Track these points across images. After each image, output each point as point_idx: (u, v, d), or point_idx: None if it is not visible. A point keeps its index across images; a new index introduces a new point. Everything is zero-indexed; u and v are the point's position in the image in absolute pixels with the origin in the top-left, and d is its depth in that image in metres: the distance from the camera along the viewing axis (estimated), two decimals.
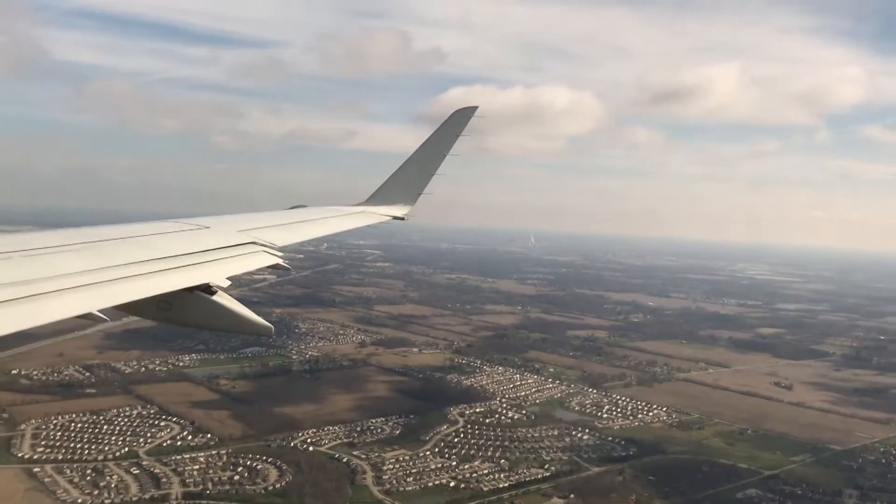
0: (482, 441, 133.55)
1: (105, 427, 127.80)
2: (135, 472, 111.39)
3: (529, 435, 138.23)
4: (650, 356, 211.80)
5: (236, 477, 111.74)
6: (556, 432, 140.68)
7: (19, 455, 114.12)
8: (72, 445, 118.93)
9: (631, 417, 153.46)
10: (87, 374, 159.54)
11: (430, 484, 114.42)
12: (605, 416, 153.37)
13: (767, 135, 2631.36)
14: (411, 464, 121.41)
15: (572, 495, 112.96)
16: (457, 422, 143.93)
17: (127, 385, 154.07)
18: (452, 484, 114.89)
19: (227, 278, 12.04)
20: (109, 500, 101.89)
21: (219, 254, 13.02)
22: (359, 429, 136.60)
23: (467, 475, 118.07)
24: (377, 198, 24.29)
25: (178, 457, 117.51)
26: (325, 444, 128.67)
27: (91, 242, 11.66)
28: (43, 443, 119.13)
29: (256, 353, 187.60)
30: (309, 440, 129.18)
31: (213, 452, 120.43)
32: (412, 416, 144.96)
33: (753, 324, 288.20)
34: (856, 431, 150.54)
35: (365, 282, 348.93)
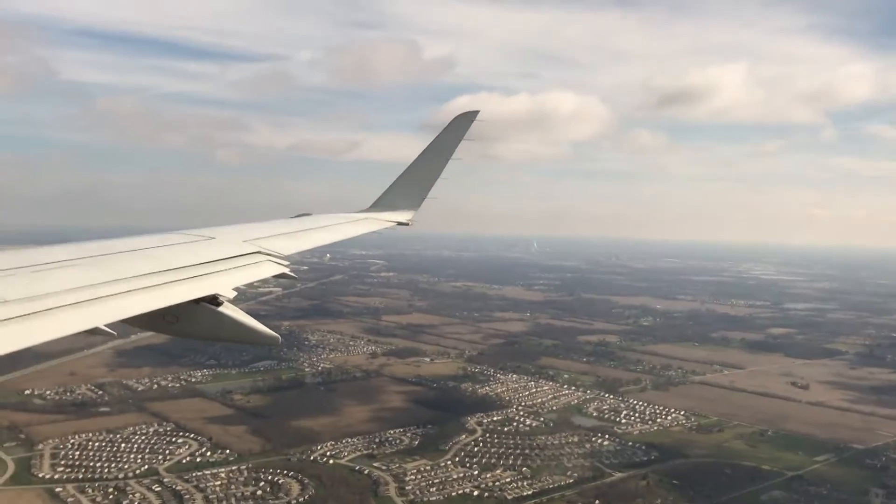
0: (502, 449, 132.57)
1: (123, 445, 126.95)
2: (157, 489, 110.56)
3: (549, 442, 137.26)
4: (664, 359, 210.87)
5: (259, 492, 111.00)
6: (575, 439, 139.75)
7: (40, 475, 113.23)
8: (91, 464, 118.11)
9: (650, 422, 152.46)
10: (100, 392, 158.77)
11: (453, 493, 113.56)
12: (623, 421, 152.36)
13: (768, 134, 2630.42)
14: (433, 474, 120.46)
15: (597, 501, 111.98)
16: (475, 431, 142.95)
17: (140, 402, 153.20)
18: (476, 493, 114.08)
19: (234, 289, 11.91)
20: None
21: (224, 264, 12.90)
22: (377, 440, 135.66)
23: (490, 484, 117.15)
24: (381, 204, 24.09)
25: (199, 473, 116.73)
26: (344, 456, 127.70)
27: (96, 256, 11.59)
28: (62, 462, 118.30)
29: (268, 367, 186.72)
30: (328, 453, 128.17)
31: (234, 468, 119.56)
32: (430, 426, 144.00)
33: (764, 324, 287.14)
34: (877, 430, 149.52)
35: (371, 292, 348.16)
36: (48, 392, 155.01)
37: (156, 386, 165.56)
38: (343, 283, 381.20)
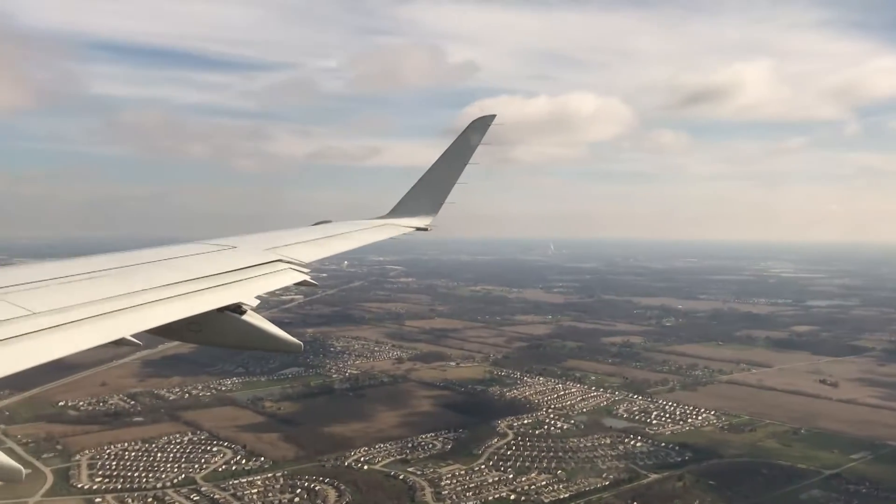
0: (535, 453, 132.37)
1: (159, 454, 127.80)
2: (195, 498, 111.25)
3: (582, 444, 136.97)
4: (690, 359, 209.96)
5: (296, 499, 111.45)
6: (608, 440, 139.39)
7: (79, 486, 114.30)
8: (128, 474, 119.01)
9: (681, 422, 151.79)
10: (133, 402, 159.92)
11: (490, 498, 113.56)
12: (654, 422, 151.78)
13: (790, 131, 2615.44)
14: (468, 478, 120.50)
15: (635, 503, 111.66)
16: (506, 434, 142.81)
17: (173, 411, 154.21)
18: (513, 497, 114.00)
19: (256, 297, 12.01)
20: None
21: (247, 273, 13.00)
22: (410, 445, 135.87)
23: (526, 487, 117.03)
24: (399, 210, 24.14)
25: (236, 481, 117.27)
26: (378, 461, 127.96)
27: (121, 268, 11.75)
28: (100, 473, 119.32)
29: (296, 374, 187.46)
30: (362, 458, 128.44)
31: (269, 475, 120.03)
32: (461, 431, 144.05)
33: (788, 322, 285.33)
34: None
35: (392, 297, 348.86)
36: (81, 403, 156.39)
37: (187, 395, 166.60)
38: (363, 289, 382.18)
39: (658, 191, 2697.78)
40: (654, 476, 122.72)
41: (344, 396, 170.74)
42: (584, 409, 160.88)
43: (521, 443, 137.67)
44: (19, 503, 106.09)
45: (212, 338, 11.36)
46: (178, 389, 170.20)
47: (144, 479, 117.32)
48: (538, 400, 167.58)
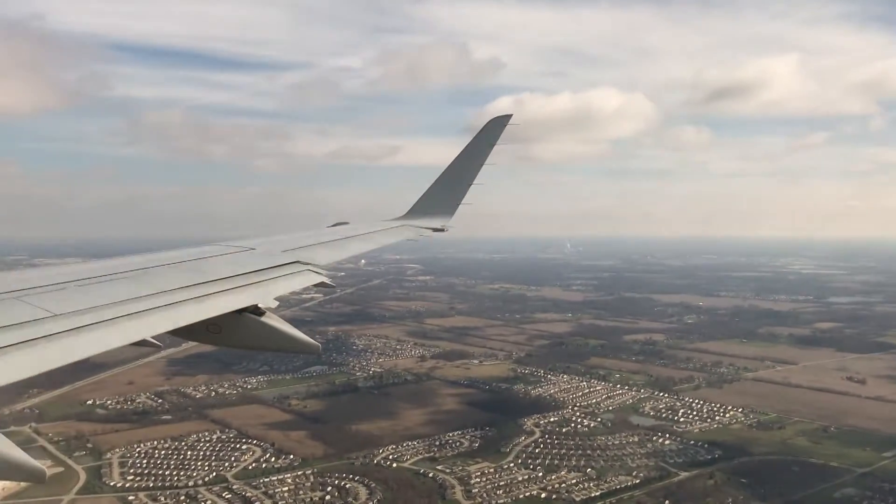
0: (563, 451, 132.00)
1: (188, 453, 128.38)
2: (227, 496, 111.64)
3: (610, 442, 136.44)
4: (714, 357, 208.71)
5: (327, 497, 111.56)
6: (636, 438, 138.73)
7: (111, 484, 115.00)
8: (160, 472, 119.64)
9: (708, 420, 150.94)
10: (160, 400, 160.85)
11: (520, 496, 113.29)
12: (681, 419, 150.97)
13: (806, 126, 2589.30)
14: (497, 476, 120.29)
15: (667, 501, 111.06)
16: (533, 432, 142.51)
17: (200, 410, 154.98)
18: (543, 495, 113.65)
19: (275, 299, 12.05)
20: None
21: (265, 275, 13.03)
22: (438, 443, 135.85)
23: (556, 486, 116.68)
24: (416, 211, 24.03)
25: (266, 479, 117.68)
26: (406, 459, 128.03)
27: (140, 270, 11.85)
28: (131, 471, 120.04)
29: (320, 372, 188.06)
30: (390, 456, 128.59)
31: (299, 473, 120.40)
32: (488, 429, 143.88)
33: (810, 319, 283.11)
34: None
35: (410, 296, 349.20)
36: (109, 401, 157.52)
37: (213, 393, 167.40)
38: (381, 287, 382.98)
39: (677, 188, 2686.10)
40: (684, 474, 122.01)
41: (368, 394, 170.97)
42: (610, 407, 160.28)
43: (548, 441, 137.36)
44: (54, 501, 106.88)
45: (230, 339, 11.42)
46: (204, 388, 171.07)
47: (176, 478, 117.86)
48: (563, 398, 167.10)
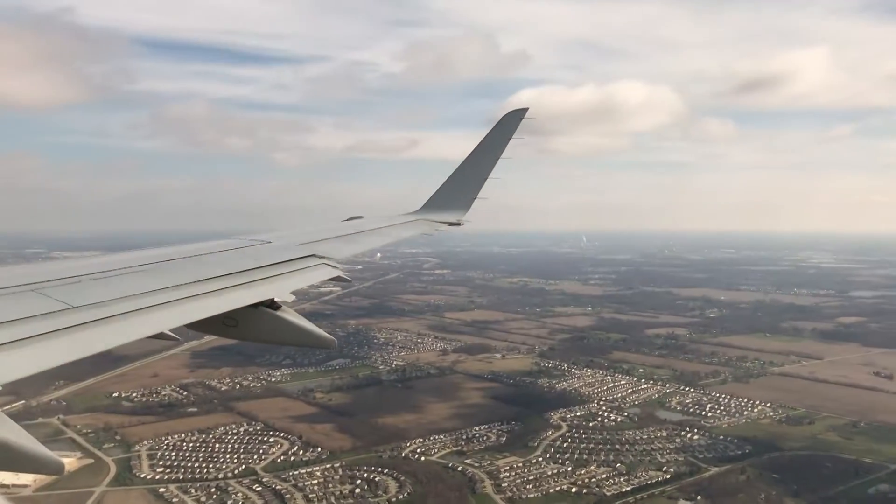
0: (591, 445, 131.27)
1: (217, 445, 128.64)
2: (257, 489, 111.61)
3: (638, 437, 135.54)
4: (738, 351, 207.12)
5: (357, 490, 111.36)
6: (664, 433, 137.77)
7: (141, 476, 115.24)
8: (189, 465, 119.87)
9: (737, 415, 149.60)
10: (185, 393, 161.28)
11: (550, 490, 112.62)
12: (709, 414, 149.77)
13: (831, 119, 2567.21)
14: (526, 470, 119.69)
15: (699, 497, 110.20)
16: (560, 426, 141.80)
17: (226, 402, 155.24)
18: (574, 490, 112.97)
19: (291, 293, 12.14)
20: None
21: (281, 268, 13.09)
22: (465, 437, 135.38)
23: (586, 480, 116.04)
24: (432, 205, 23.82)
25: (295, 472, 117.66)
26: (434, 453, 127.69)
27: (157, 263, 11.92)
28: (161, 463, 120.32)
29: (343, 366, 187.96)
30: (418, 450, 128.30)
31: (328, 466, 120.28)
32: (514, 423, 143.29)
33: (833, 313, 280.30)
34: None
35: (428, 290, 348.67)
36: (134, 394, 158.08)
37: (238, 386, 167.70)
38: (399, 281, 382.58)
39: (697, 181, 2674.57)
40: (714, 469, 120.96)
41: (392, 388, 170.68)
42: (637, 402, 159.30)
43: (575, 435, 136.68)
44: (87, 493, 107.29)
45: (247, 333, 11.49)
46: (228, 380, 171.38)
47: (205, 470, 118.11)
48: (588, 392, 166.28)
